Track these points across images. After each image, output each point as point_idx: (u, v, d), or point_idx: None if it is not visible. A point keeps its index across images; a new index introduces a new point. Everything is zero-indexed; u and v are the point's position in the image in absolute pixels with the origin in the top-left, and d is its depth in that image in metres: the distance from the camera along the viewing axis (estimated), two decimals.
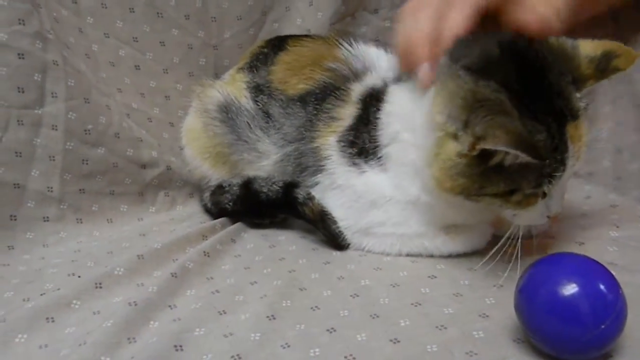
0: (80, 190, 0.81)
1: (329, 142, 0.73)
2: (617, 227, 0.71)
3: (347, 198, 0.72)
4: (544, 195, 0.60)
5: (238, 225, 0.82)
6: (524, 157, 0.54)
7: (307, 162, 0.75)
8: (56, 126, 0.78)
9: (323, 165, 0.73)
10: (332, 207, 0.73)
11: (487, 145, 0.54)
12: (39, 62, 0.78)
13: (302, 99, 0.77)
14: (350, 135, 0.71)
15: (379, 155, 0.69)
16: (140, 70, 0.98)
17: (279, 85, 0.79)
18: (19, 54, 0.76)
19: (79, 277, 0.66)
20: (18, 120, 0.76)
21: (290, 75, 0.79)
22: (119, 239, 0.78)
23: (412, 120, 0.65)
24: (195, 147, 0.87)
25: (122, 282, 0.64)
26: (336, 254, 0.72)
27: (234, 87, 0.84)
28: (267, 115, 0.79)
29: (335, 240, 0.73)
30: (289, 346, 0.52)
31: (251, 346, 0.52)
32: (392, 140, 0.68)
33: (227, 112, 0.82)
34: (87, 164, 0.81)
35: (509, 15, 0.62)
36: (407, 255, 0.70)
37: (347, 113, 0.73)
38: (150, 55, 0.99)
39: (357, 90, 0.73)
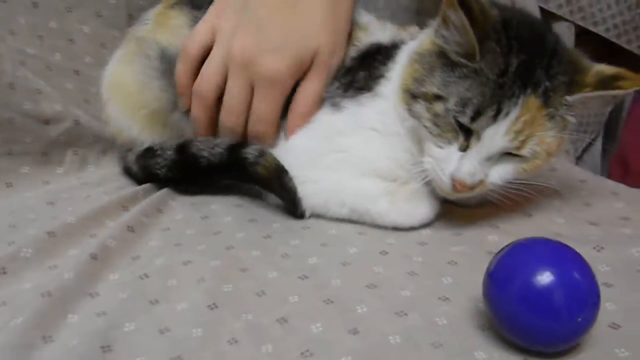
0: None
1: None
2: (560, 196, 0.71)
3: (317, 127, 0.68)
4: (464, 138, 0.59)
5: (164, 191, 0.73)
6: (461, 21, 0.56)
7: None
8: None
9: None
10: (293, 139, 0.69)
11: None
12: None
13: None
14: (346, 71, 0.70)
15: (379, 82, 0.67)
16: (38, 9, 0.84)
17: None
18: None
19: None
20: None
21: None
22: (22, 207, 0.68)
23: None
24: (125, 104, 0.76)
25: (32, 266, 0.55)
26: (277, 226, 0.66)
27: (168, 31, 0.74)
28: None
29: (291, 199, 0.67)
30: (236, 342, 0.46)
31: (193, 344, 0.46)
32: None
33: (170, 63, 0.73)
34: None
35: None
36: (349, 216, 0.66)
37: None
38: None
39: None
